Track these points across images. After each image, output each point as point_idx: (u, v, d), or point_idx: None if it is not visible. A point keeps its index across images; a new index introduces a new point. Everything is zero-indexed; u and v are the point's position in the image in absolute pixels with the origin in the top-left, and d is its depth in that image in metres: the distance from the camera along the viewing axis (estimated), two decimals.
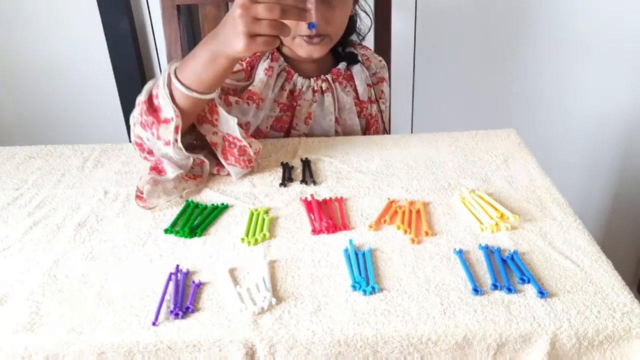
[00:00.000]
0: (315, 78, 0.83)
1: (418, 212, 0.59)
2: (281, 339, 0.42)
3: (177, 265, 0.51)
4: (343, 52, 0.87)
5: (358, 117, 0.88)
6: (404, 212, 0.59)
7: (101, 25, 1.15)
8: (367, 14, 0.89)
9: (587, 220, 1.39)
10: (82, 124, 1.29)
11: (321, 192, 0.64)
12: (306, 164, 0.71)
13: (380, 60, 0.93)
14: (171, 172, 0.64)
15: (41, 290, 0.48)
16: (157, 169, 0.65)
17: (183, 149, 0.63)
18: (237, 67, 0.79)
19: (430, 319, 0.44)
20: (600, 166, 1.34)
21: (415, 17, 1.16)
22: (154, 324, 0.44)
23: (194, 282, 0.48)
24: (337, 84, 0.85)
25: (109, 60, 1.19)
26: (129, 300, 0.46)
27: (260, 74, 0.79)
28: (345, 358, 0.43)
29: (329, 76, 0.84)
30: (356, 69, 0.86)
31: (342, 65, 0.85)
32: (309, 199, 0.62)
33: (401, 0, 1.09)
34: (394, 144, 0.76)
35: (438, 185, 0.65)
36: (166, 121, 0.61)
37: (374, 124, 0.91)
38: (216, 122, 0.66)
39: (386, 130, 0.95)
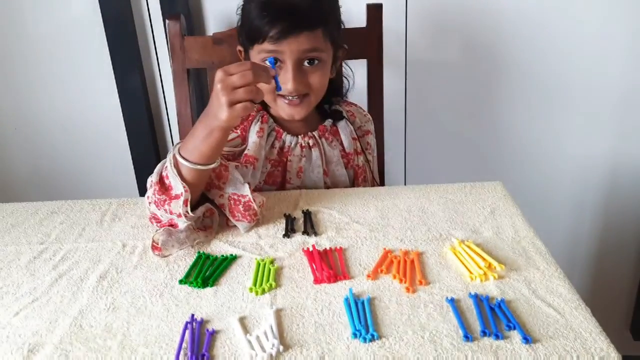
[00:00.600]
0: (302, 135, 0.90)
1: (412, 261, 0.63)
2: None
3: (192, 315, 0.55)
4: (329, 110, 0.94)
5: (345, 168, 0.94)
6: (399, 261, 0.63)
7: (114, 83, 1.22)
8: (347, 79, 0.98)
9: (574, 263, 1.42)
10: (95, 177, 1.34)
11: (322, 242, 0.68)
12: (307, 215, 0.75)
13: (365, 115, 0.99)
14: (182, 224, 0.69)
15: (69, 340, 0.52)
16: (170, 224, 0.70)
17: (194, 216, 0.69)
18: (233, 135, 0.86)
19: None
20: (585, 212, 1.38)
21: (406, 73, 1.24)
22: None
23: (207, 330, 0.52)
24: (323, 139, 0.91)
25: (121, 115, 1.25)
26: (149, 348, 0.50)
27: (253, 136, 0.86)
28: None
29: (315, 133, 0.91)
30: (341, 124, 0.93)
31: (328, 122, 0.92)
32: (311, 249, 0.66)
33: (392, 58, 1.17)
34: (389, 196, 0.80)
35: (430, 236, 0.69)
36: (177, 197, 0.67)
37: (361, 173, 0.96)
38: (223, 186, 0.72)
39: (375, 179, 1.01)
